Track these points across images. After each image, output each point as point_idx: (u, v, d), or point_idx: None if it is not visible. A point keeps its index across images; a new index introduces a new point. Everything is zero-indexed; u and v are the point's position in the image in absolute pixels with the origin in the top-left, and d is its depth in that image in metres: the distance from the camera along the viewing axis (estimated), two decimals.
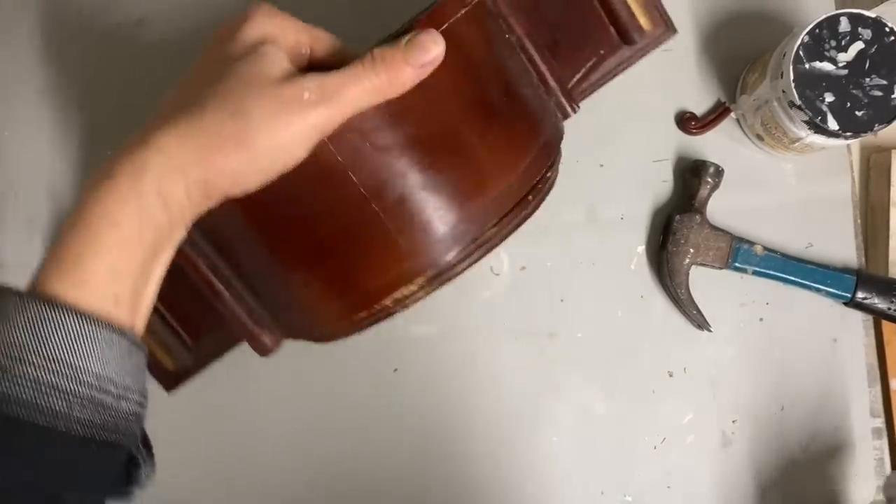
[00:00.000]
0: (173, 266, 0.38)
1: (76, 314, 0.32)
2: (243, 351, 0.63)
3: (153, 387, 0.63)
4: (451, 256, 0.40)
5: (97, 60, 0.66)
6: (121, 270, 0.33)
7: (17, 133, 0.66)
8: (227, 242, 0.45)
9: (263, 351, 0.52)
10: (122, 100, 0.65)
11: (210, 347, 0.56)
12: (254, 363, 0.63)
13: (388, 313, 0.42)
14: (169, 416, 0.63)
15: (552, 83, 0.54)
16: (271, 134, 0.34)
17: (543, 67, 0.54)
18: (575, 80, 0.57)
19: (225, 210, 0.37)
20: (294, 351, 0.64)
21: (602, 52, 0.59)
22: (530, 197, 0.43)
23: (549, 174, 0.45)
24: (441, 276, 0.41)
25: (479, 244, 0.41)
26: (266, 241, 0.41)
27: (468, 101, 0.41)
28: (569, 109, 0.55)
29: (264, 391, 0.64)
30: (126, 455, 0.35)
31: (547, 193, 0.45)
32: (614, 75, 0.61)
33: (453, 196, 0.40)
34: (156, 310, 0.54)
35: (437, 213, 0.39)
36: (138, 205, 0.33)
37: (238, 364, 0.63)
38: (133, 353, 0.34)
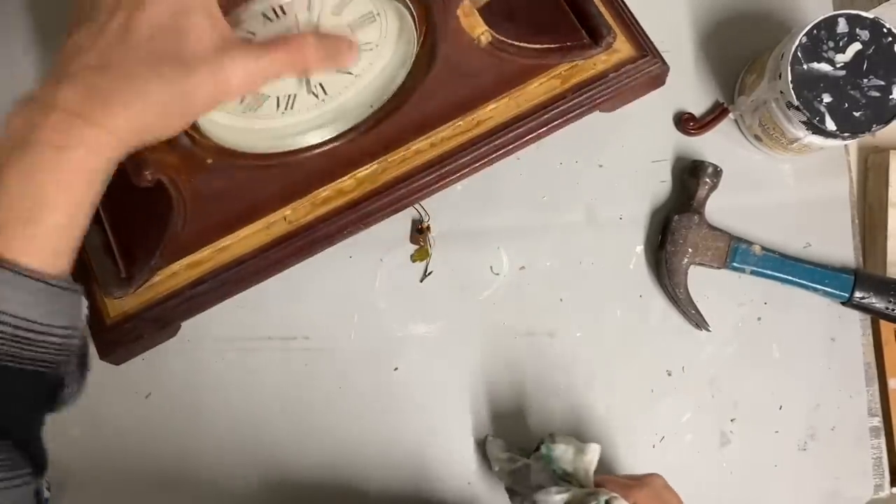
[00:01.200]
0: (123, 181, 0.41)
1: (4, 268, 0.34)
2: (243, 351, 0.64)
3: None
4: None
5: None
6: (66, 226, 0.37)
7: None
8: None
9: (139, 174, 0.48)
10: None
11: (140, 274, 0.57)
12: (254, 363, 0.64)
13: None
14: (168, 415, 0.64)
15: None
16: (208, 107, 0.39)
17: None
18: (530, 45, 0.56)
19: None
20: (294, 349, 0.64)
21: (568, 43, 0.58)
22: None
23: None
24: None
25: None
26: None
27: None
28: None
29: (264, 389, 0.64)
30: (52, 379, 0.38)
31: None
32: (600, 101, 0.60)
33: None
34: (102, 229, 0.56)
35: None
36: (88, 175, 0.37)
37: (238, 363, 0.64)
38: (62, 296, 0.37)
